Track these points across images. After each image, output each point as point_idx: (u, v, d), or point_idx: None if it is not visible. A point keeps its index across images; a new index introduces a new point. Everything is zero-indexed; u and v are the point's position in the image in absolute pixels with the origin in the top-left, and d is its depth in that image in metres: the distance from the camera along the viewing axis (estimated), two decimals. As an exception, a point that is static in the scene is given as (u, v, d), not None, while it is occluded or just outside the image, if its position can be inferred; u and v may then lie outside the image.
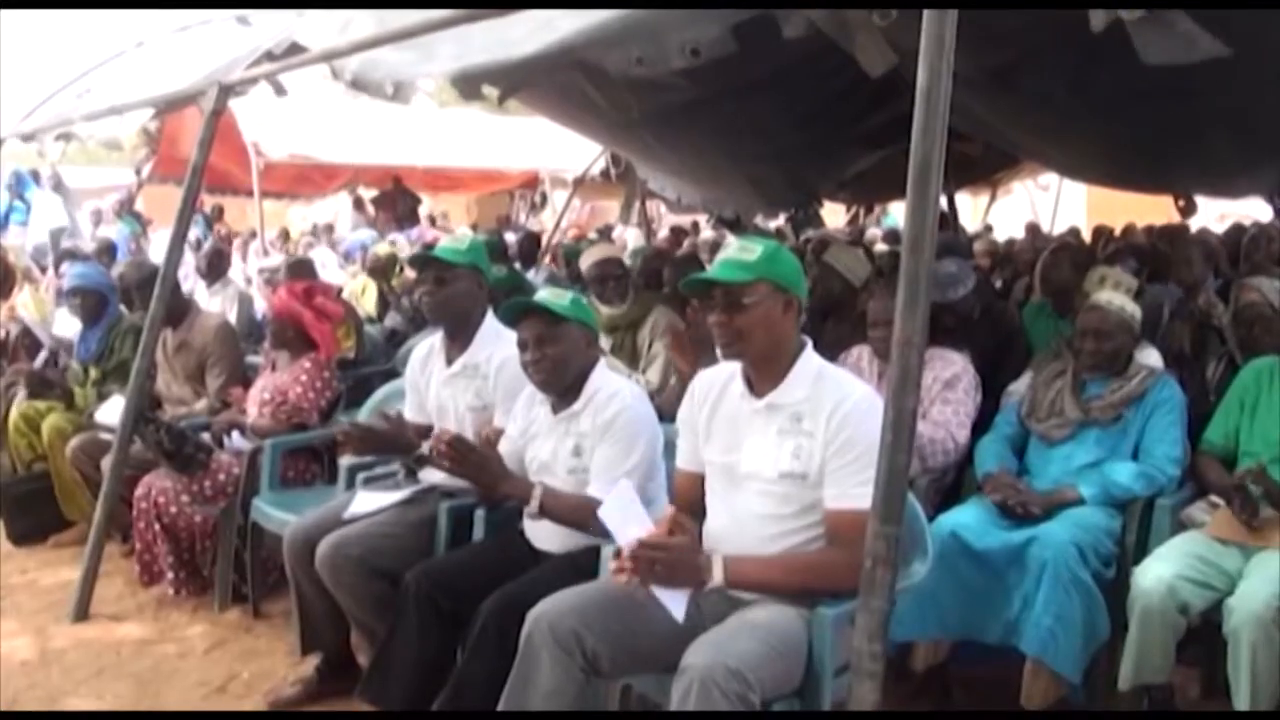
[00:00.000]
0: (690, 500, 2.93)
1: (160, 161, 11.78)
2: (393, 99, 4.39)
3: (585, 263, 5.53)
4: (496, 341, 3.73)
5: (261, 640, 4.30)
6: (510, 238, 9.80)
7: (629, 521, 2.62)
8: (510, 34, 4.08)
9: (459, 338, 3.80)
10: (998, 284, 7.11)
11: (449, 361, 3.82)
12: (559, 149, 12.75)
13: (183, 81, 5.34)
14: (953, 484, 3.91)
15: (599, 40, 3.89)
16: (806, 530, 2.71)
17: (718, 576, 2.58)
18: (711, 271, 2.76)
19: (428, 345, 4.00)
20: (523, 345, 3.32)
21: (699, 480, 2.92)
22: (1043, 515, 3.45)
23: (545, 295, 3.41)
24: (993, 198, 14.59)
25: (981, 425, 3.93)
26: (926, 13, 2.40)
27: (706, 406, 2.89)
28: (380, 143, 13.35)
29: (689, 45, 3.71)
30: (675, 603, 2.55)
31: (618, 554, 2.55)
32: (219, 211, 14.45)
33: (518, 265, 8.22)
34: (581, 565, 3.11)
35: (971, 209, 15.16)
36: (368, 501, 3.64)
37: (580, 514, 3.14)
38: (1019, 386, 4.06)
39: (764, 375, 2.77)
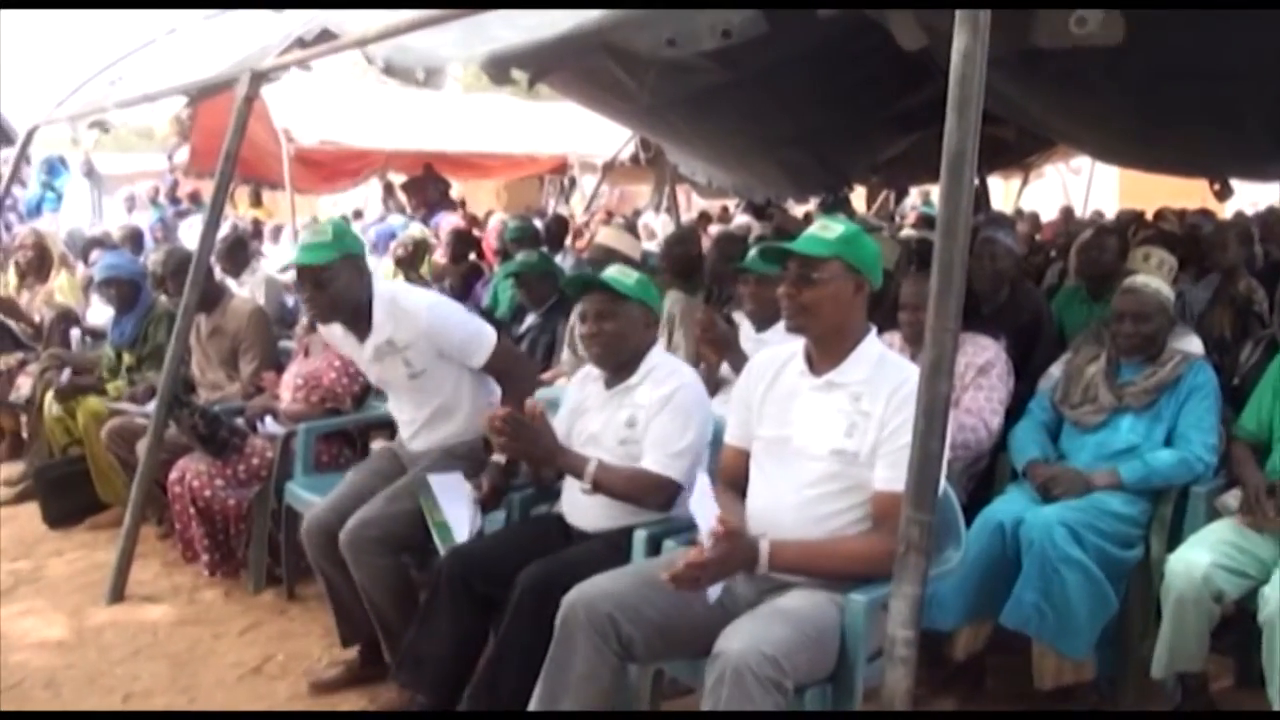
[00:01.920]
0: (734, 476, 2.96)
1: (196, 157, 11.86)
2: (424, 85, 4.40)
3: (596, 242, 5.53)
4: (398, 313, 3.70)
5: (296, 622, 4.34)
6: (538, 223, 9.79)
7: (706, 514, 2.64)
8: (541, 18, 4.08)
9: (357, 325, 3.75)
10: (1029, 267, 7.05)
11: (361, 339, 3.78)
12: (588, 134, 12.74)
13: (215, 69, 5.36)
14: (986, 470, 3.89)
15: (629, 22, 3.88)
16: (850, 512, 2.72)
17: (763, 561, 2.60)
18: (798, 241, 2.82)
19: (340, 328, 3.88)
20: (583, 318, 3.37)
21: (745, 457, 2.94)
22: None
23: (612, 272, 3.41)
24: (1025, 181, 14.50)
25: (1013, 410, 3.90)
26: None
27: (763, 383, 2.92)
28: (410, 128, 13.36)
29: (720, 26, 3.70)
30: (711, 587, 2.59)
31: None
32: (257, 195, 14.53)
33: (545, 249, 8.24)
34: (616, 545, 3.13)
35: (1003, 192, 15.06)
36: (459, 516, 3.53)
37: (634, 487, 3.19)
38: (1058, 370, 4.03)
39: (825, 353, 2.81)
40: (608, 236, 5.54)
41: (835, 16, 3.61)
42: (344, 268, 3.62)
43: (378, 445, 4.25)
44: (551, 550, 3.20)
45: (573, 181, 15.08)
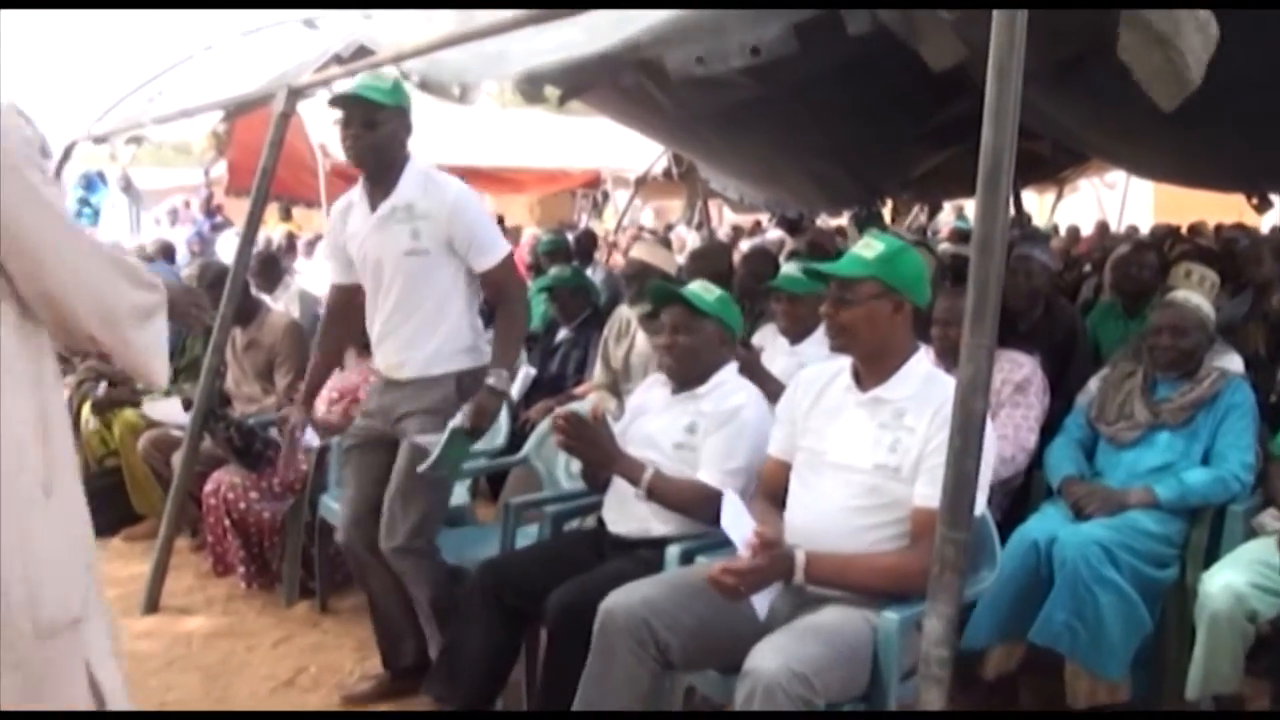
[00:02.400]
0: (774, 488, 2.97)
1: (232, 172, 11.97)
2: (459, 101, 4.42)
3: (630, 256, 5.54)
4: (428, 183, 3.58)
5: (329, 635, 4.35)
6: (570, 237, 9.84)
7: (741, 529, 2.65)
8: (575, 36, 4.09)
9: (383, 181, 3.57)
10: (1064, 283, 7.01)
11: (373, 205, 3.58)
12: (621, 148, 12.76)
13: (252, 85, 5.41)
14: (1021, 487, 3.86)
15: (661, 40, 3.89)
16: (890, 527, 2.71)
17: (798, 572, 2.60)
18: (831, 264, 2.85)
19: (344, 201, 3.77)
20: (660, 329, 3.41)
21: (786, 469, 2.95)
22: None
23: (694, 287, 3.42)
24: (1059, 195, 14.42)
25: (1049, 427, 3.87)
26: (996, 10, 2.36)
27: (810, 397, 2.93)
28: (445, 143, 13.44)
29: (749, 45, 3.70)
30: (760, 600, 2.60)
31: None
32: (287, 210, 14.66)
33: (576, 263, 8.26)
34: (648, 563, 3.12)
35: (1038, 207, 14.99)
36: None
37: (687, 498, 3.18)
38: (1095, 386, 4.00)
39: (871, 371, 2.82)
40: (643, 251, 5.54)
41: (865, 33, 3.61)
42: (395, 116, 3.53)
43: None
44: (583, 567, 3.20)
45: (605, 196, 15.11)
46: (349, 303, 3.77)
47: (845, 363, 2.90)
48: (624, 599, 2.69)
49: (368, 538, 3.61)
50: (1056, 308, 4.71)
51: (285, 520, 4.61)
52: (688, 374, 3.35)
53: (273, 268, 7.33)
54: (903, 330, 2.80)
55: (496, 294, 3.67)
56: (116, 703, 2.06)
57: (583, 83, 4.25)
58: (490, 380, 3.51)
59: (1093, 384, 3.94)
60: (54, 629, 1.93)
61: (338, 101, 3.55)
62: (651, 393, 3.52)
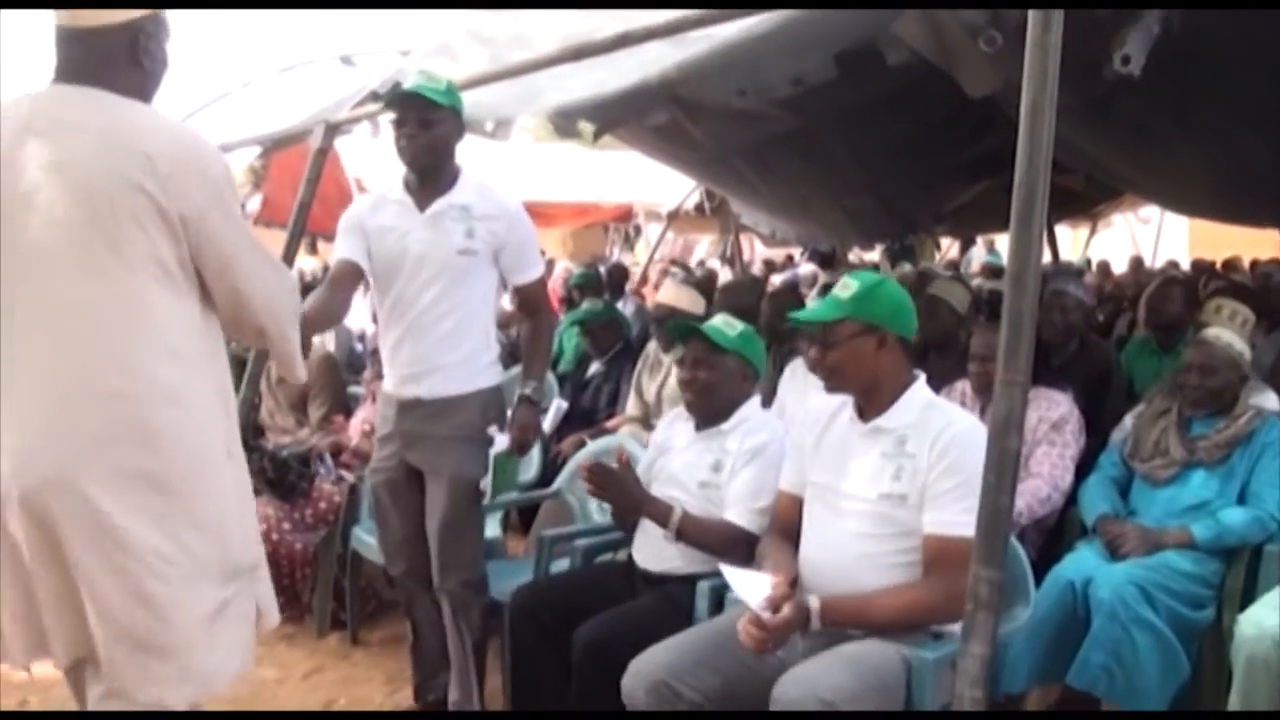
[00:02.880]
0: (787, 522, 2.96)
1: (268, 206, 12.10)
2: (492, 136, 4.46)
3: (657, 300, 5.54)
4: (485, 190, 3.54)
5: (359, 668, 4.35)
6: (602, 271, 9.88)
7: (755, 591, 2.60)
8: (603, 75, 4.13)
9: (436, 182, 3.47)
10: (1098, 318, 6.97)
11: (421, 206, 3.46)
12: (653, 182, 12.82)
13: (289, 121, 5.48)
14: (1055, 526, 3.83)
15: (698, 74, 3.92)
16: (903, 555, 2.69)
17: (814, 620, 2.58)
18: (805, 311, 2.89)
19: (375, 195, 3.68)
20: (681, 362, 3.41)
21: (799, 503, 2.94)
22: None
23: (715, 322, 3.42)
24: (1093, 230, 14.35)
25: (1083, 465, 3.84)
26: (1030, 44, 2.36)
27: (817, 429, 2.94)
28: (478, 178, 13.51)
29: (792, 76, 3.73)
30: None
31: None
32: (313, 244, 14.77)
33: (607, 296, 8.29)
34: (676, 599, 3.12)
35: (1071, 241, 14.92)
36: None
37: (716, 539, 3.17)
38: (1130, 422, 3.97)
39: (870, 404, 2.82)
40: (669, 294, 5.55)
41: (904, 65, 3.63)
42: (450, 117, 3.45)
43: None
44: (614, 598, 3.20)
45: (637, 230, 15.17)
46: (353, 283, 3.55)
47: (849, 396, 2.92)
48: (643, 667, 2.69)
49: (423, 574, 3.59)
50: (1090, 343, 4.69)
51: (317, 552, 4.62)
52: (708, 409, 3.35)
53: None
54: (892, 362, 2.80)
55: (531, 307, 3.72)
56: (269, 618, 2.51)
57: (616, 117, 4.29)
58: (526, 391, 3.54)
59: (1128, 421, 3.91)
60: (237, 571, 2.34)
61: (394, 100, 3.47)
62: (674, 429, 3.51)
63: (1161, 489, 3.61)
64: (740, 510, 3.17)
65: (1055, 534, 3.82)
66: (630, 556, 3.43)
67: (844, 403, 2.91)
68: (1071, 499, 3.78)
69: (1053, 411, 3.80)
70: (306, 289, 7.80)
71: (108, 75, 2.27)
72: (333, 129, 4.71)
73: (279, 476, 4.51)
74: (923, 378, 2.84)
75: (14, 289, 2.18)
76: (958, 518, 2.55)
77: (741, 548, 3.12)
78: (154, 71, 2.37)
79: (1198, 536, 3.39)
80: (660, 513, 3.23)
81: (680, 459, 3.38)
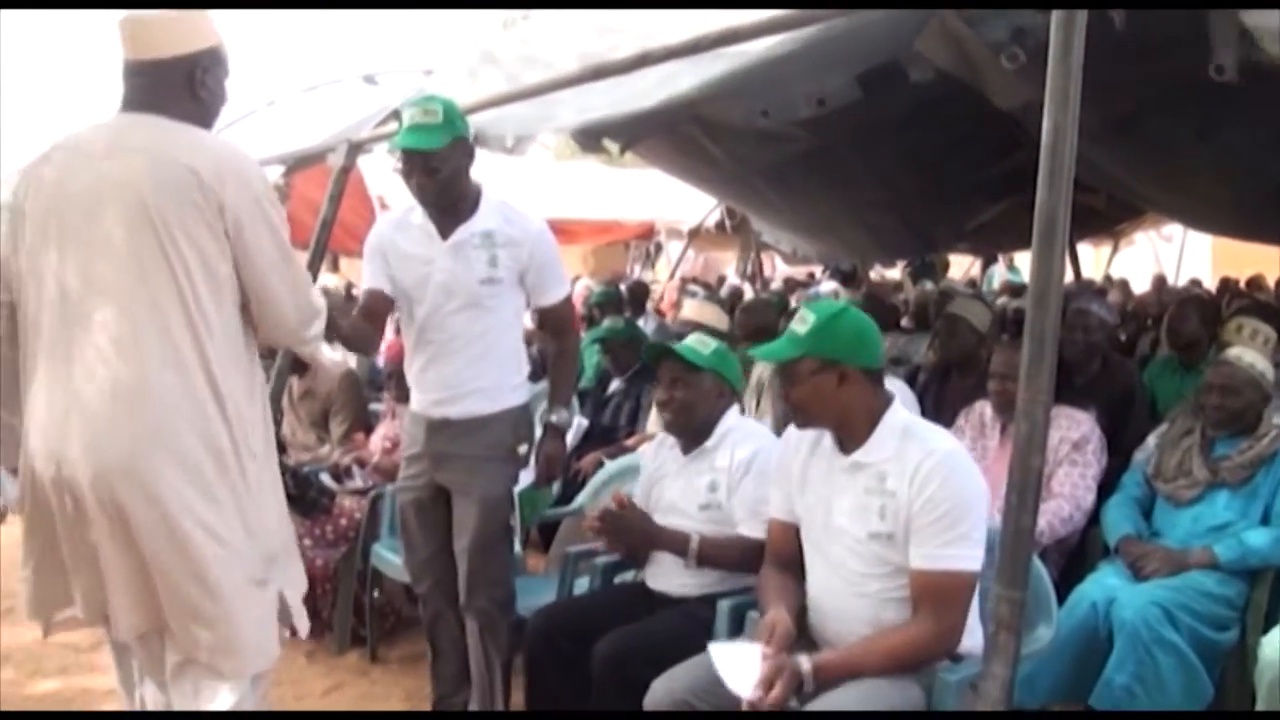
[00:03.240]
0: (783, 551, 2.91)
1: (291, 224, 12.15)
2: (510, 152, 4.47)
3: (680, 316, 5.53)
4: (508, 211, 3.49)
5: (378, 685, 4.35)
6: (623, 289, 9.89)
7: (744, 670, 2.55)
8: (633, 89, 4.14)
9: (457, 209, 3.43)
10: (1121, 338, 6.93)
11: (444, 232, 3.43)
12: (674, 200, 12.84)
13: (312, 140, 5.52)
14: (1078, 546, 3.81)
15: (722, 94, 3.92)
16: (904, 590, 2.64)
17: (808, 683, 2.51)
18: (762, 348, 2.85)
19: (399, 215, 3.61)
20: (659, 381, 3.38)
21: (793, 531, 2.89)
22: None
23: (689, 342, 3.41)
24: (1115, 249, 14.29)
25: (1106, 484, 3.82)
26: (1051, 64, 2.38)
27: (800, 458, 2.87)
28: (500, 195, 13.55)
29: (815, 95, 3.73)
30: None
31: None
32: (335, 261, 14.87)
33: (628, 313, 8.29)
34: (695, 615, 3.11)
35: (1093, 260, 14.86)
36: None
37: (737, 555, 3.18)
38: (1154, 442, 3.95)
39: (846, 437, 2.74)
40: (693, 310, 5.57)
41: (925, 83, 3.62)
42: (454, 151, 3.35)
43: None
44: (634, 616, 3.20)
45: (659, 247, 15.18)
46: (385, 312, 3.57)
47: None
48: (668, 686, 2.70)
49: (449, 591, 3.59)
50: (1113, 363, 4.67)
51: (338, 568, 4.63)
52: (687, 428, 3.35)
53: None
54: (859, 395, 2.69)
55: (557, 330, 3.67)
56: (300, 619, 2.67)
57: (640, 133, 4.29)
58: (553, 419, 3.54)
59: (1151, 441, 3.90)
60: (271, 557, 2.53)
61: (395, 148, 3.50)
62: (662, 456, 3.49)
63: (1185, 510, 3.60)
64: (754, 524, 3.16)
65: (1078, 554, 3.80)
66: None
67: (822, 430, 2.83)
68: (1094, 519, 3.76)
69: (1075, 431, 3.78)
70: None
71: (166, 103, 2.51)
72: (355, 148, 4.74)
73: (300, 492, 4.52)
74: (896, 401, 2.75)
75: (80, 299, 2.40)
76: (941, 551, 2.51)
77: (759, 557, 3.09)
78: (210, 103, 2.60)
79: (1221, 557, 3.37)
80: (676, 543, 3.25)
81: (675, 486, 3.38)
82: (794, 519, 2.89)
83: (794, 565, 2.87)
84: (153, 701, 2.60)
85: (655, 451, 3.54)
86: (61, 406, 2.39)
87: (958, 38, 3.47)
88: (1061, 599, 3.18)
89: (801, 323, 2.71)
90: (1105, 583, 3.40)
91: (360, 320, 3.44)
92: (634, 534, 3.31)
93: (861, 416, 2.70)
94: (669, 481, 3.40)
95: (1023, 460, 2.35)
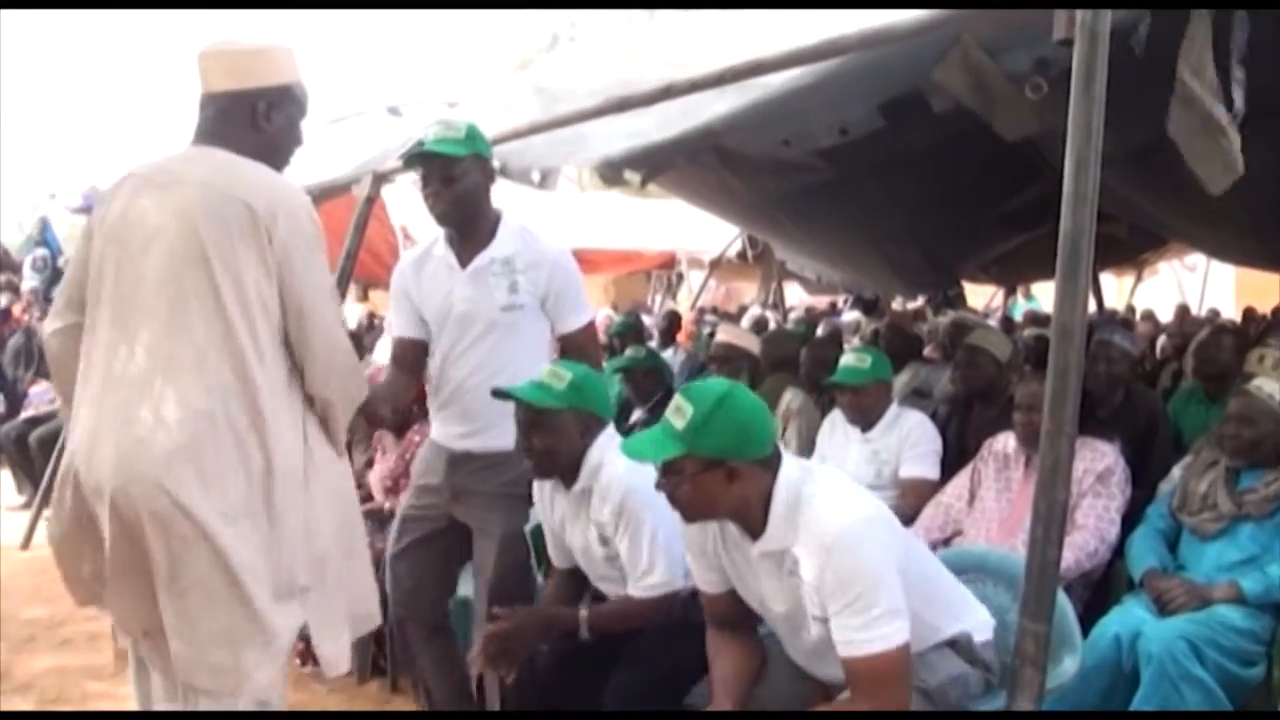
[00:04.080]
0: (723, 615, 2.77)
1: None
2: (539, 186, 4.50)
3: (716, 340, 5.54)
4: (527, 236, 3.47)
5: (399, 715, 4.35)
6: (647, 319, 9.90)
7: None
8: (657, 119, 4.17)
9: (473, 236, 3.42)
10: (1145, 368, 6.90)
11: (463, 261, 3.42)
12: (696, 230, 12.89)
13: (338, 171, 5.57)
14: (1102, 579, 3.79)
15: (742, 125, 3.95)
16: None
17: None
18: (638, 448, 2.57)
19: (417, 252, 3.64)
20: (517, 424, 3.18)
21: (726, 598, 2.75)
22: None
23: (541, 379, 3.16)
24: (1138, 278, 14.26)
25: (1130, 516, 3.81)
26: (1074, 95, 2.40)
27: (712, 538, 2.70)
28: (519, 223, 13.61)
29: (838, 125, 3.75)
30: None
31: None
32: (364, 290, 14.95)
33: (654, 344, 8.30)
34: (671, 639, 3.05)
35: (1116, 289, 14.82)
36: None
37: (633, 617, 3.12)
38: (1179, 474, 3.93)
39: (745, 526, 2.57)
40: (729, 334, 5.60)
41: (946, 112, 3.65)
42: (474, 167, 3.35)
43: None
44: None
45: (680, 277, 15.23)
46: (417, 357, 3.55)
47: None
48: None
49: (435, 618, 3.62)
50: (1137, 394, 4.66)
51: (359, 598, 4.62)
52: (552, 470, 3.19)
53: (354, 346, 7.44)
54: (752, 487, 2.49)
55: (579, 356, 3.48)
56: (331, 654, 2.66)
57: (662, 165, 4.32)
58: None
59: (1176, 472, 3.88)
60: (291, 590, 2.52)
61: (412, 161, 3.46)
62: (552, 500, 3.34)
63: (1210, 543, 3.58)
64: (638, 584, 3.10)
65: (1102, 587, 3.79)
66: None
67: (731, 531, 2.66)
68: (1119, 552, 3.75)
69: (1099, 463, 3.77)
70: (352, 338, 7.91)
71: (229, 136, 2.60)
72: (379, 179, 4.79)
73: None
74: (782, 472, 2.52)
75: (126, 320, 2.49)
76: (860, 635, 2.38)
77: (662, 611, 3.09)
78: (275, 138, 2.66)
79: (1246, 591, 3.35)
80: (569, 622, 3.15)
81: (575, 533, 3.26)
82: (723, 588, 2.74)
83: (738, 623, 2.77)
84: None
85: (544, 496, 3.38)
86: (101, 418, 2.47)
87: (977, 68, 3.50)
88: (1086, 632, 3.15)
89: (678, 415, 2.47)
90: (1130, 616, 3.38)
91: (392, 372, 3.52)
92: (527, 639, 3.15)
93: (756, 505, 2.51)
94: (569, 526, 3.29)
95: (1047, 493, 2.36)
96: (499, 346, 3.41)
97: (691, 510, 2.54)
